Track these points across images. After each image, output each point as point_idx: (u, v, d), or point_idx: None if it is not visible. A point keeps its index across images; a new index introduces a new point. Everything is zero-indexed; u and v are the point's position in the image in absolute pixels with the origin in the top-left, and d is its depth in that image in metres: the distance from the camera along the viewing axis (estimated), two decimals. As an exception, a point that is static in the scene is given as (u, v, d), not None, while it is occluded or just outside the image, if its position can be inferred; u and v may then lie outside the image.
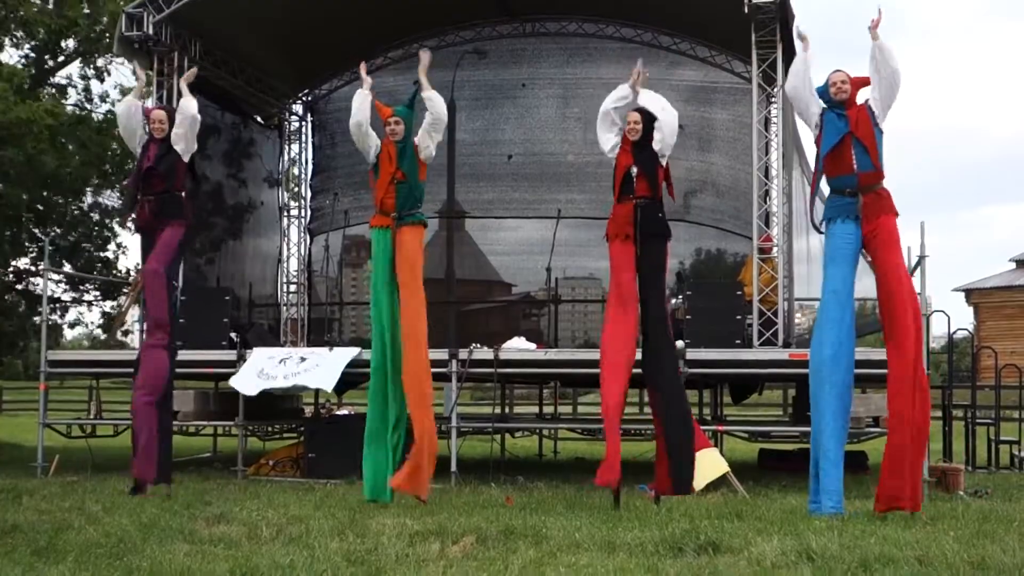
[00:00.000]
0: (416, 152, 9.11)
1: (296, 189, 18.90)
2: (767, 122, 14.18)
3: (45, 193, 17.72)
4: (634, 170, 8.85)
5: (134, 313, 16.45)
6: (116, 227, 19.61)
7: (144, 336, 10.21)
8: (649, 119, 8.89)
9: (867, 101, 8.45)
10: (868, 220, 8.27)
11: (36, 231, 16.46)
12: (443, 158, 15.91)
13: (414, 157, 9.08)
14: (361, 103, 9.27)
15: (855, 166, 8.28)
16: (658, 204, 9.05)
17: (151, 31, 14.19)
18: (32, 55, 17.98)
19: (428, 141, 9.17)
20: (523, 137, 16.91)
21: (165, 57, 14.61)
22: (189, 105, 9.78)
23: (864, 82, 8.50)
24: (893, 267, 8.28)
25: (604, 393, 9.11)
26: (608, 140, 9.12)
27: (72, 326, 20.66)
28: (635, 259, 8.94)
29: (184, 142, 9.77)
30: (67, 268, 17.89)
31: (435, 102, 9.21)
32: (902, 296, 8.24)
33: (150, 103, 15.01)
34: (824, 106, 8.54)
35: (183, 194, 9.98)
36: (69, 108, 17.72)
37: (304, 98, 18.59)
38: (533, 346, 12.68)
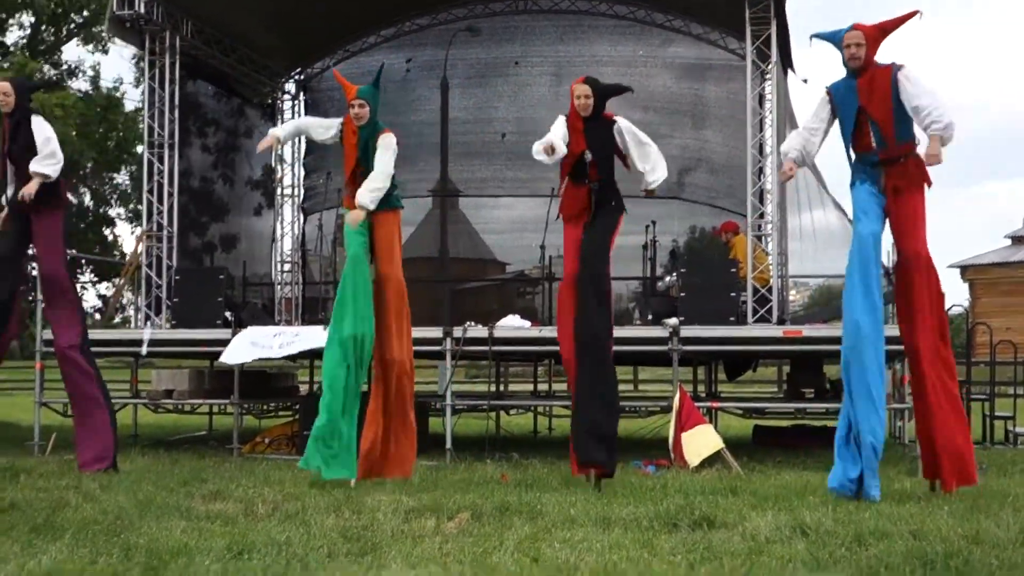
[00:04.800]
0: (378, 142, 8.60)
1: (287, 167, 18.84)
2: (761, 99, 14.18)
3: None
4: (588, 156, 8.25)
5: (129, 296, 16.47)
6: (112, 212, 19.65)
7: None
8: (601, 92, 8.31)
9: (900, 71, 7.55)
10: (891, 193, 7.63)
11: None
12: (436, 136, 15.90)
13: (374, 146, 8.58)
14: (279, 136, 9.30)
15: (873, 143, 7.64)
16: (612, 183, 8.47)
17: (142, 10, 14.14)
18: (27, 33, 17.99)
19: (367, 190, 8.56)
20: (516, 115, 16.90)
21: (157, 36, 14.61)
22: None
23: (885, 32, 7.69)
24: (912, 249, 7.69)
25: (570, 381, 8.66)
26: (551, 147, 8.17)
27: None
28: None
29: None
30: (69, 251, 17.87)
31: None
32: (919, 274, 7.69)
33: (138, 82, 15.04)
34: (827, 88, 7.90)
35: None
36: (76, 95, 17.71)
37: (297, 77, 18.55)
38: (528, 324, 12.68)
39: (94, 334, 12.67)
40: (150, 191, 14.70)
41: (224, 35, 15.83)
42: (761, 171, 13.34)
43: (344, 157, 8.78)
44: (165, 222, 14.73)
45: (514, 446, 12.30)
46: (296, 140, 18.56)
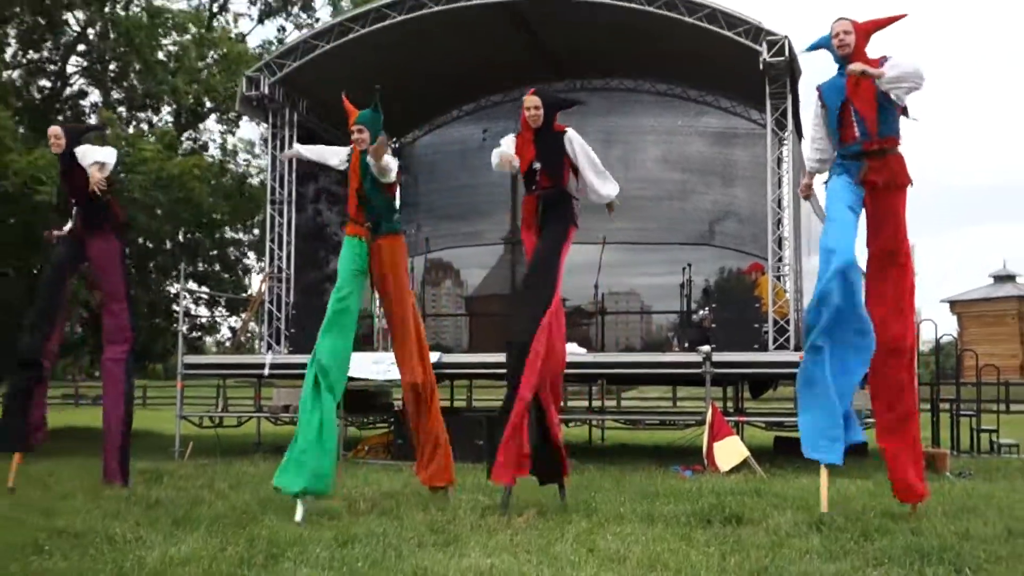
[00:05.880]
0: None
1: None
2: (779, 161, 14.06)
3: (190, 231, 18.00)
4: (537, 165, 7.13)
5: (254, 327, 16.66)
6: (244, 254, 19.89)
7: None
8: (550, 104, 7.19)
9: (888, 60, 6.40)
10: (869, 189, 6.51)
11: (182, 261, 16.65)
12: (507, 193, 15.99)
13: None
14: (299, 152, 8.42)
15: (857, 134, 6.51)
16: (562, 192, 7.24)
17: (267, 91, 14.43)
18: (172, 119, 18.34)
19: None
20: (574, 176, 16.91)
21: (278, 112, 14.86)
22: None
23: (873, 27, 6.62)
24: (885, 245, 6.57)
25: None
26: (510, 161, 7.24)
27: (210, 335, 20.93)
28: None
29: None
30: (204, 290, 18.14)
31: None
32: (895, 270, 6.58)
33: (267, 152, 15.29)
34: (817, 86, 6.82)
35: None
36: (209, 160, 17.99)
37: (392, 145, 18.71)
38: (584, 351, 12.66)
39: (227, 359, 12.88)
40: (272, 240, 14.92)
41: (332, 111, 16.03)
42: (780, 222, 13.22)
43: (350, 180, 7.53)
44: (284, 265, 14.95)
45: (573, 453, 12.23)
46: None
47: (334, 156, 7.90)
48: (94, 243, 8.43)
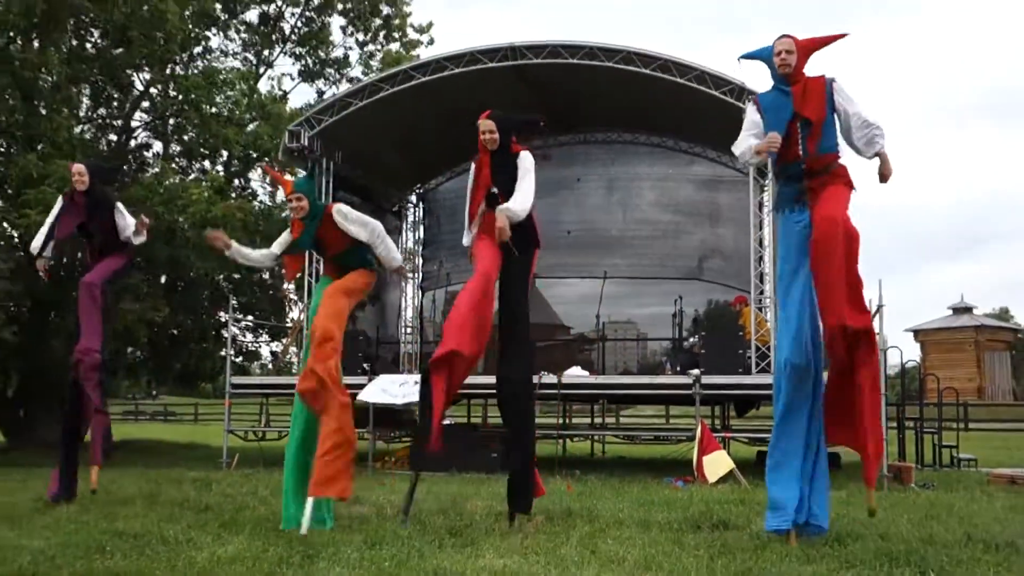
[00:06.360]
0: (331, 220, 6.47)
1: (412, 258, 19.08)
2: (760, 205, 14.11)
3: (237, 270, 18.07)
4: (495, 190, 6.24)
5: (293, 351, 16.68)
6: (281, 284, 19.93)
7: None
8: (504, 126, 6.35)
9: (834, 81, 5.64)
10: (812, 195, 5.52)
11: (230, 294, 16.65)
12: (519, 234, 16.05)
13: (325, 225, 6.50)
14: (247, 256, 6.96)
15: (800, 152, 5.57)
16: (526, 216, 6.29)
17: (307, 143, 14.55)
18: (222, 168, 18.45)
19: (353, 228, 6.52)
20: (578, 218, 16.97)
21: (317, 162, 14.95)
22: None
23: (814, 46, 5.76)
24: (828, 213, 5.37)
25: (436, 387, 5.93)
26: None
27: (255, 360, 20.91)
28: (501, 264, 6.24)
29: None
30: (249, 318, 18.19)
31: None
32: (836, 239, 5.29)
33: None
34: (755, 94, 6.03)
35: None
36: (258, 206, 18.04)
37: (418, 190, 18.83)
38: (586, 373, 12.66)
39: (269, 379, 12.89)
40: (310, 275, 14.97)
41: (366, 160, 16.17)
42: (761, 259, 13.24)
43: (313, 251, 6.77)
44: (320, 297, 14.98)
45: (577, 465, 12.22)
46: (415, 234, 18.83)
47: (278, 248, 6.76)
48: (106, 257, 7.92)
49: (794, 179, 5.63)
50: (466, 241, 6.48)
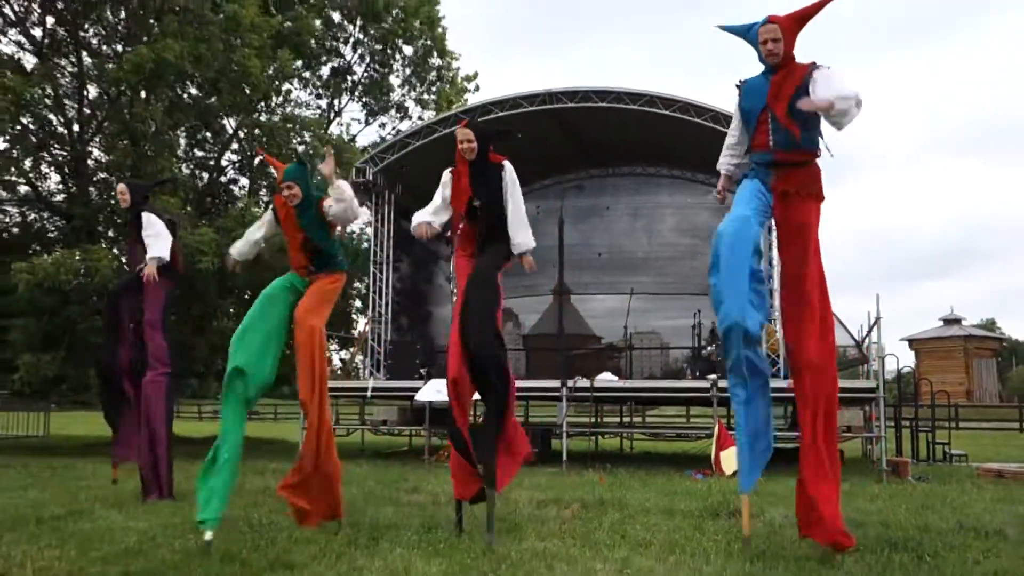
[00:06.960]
0: (322, 212, 5.70)
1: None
2: (770, 228, 13.93)
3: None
4: (477, 202, 5.56)
5: (360, 359, 16.77)
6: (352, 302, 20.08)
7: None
8: (482, 137, 5.61)
9: (818, 68, 4.71)
10: (779, 198, 4.85)
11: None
12: (555, 255, 15.98)
13: (317, 217, 5.70)
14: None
15: (770, 143, 4.84)
16: (502, 225, 5.59)
17: (371, 178, 14.68)
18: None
19: (331, 202, 5.66)
20: (608, 242, 16.95)
21: (380, 195, 15.07)
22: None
23: (801, 19, 4.81)
24: (796, 258, 4.86)
25: (452, 400, 5.33)
26: (425, 231, 5.78)
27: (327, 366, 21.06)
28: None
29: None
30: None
31: (342, 187, 5.65)
32: (812, 295, 4.79)
33: (370, 228, 15.42)
34: (744, 81, 5.07)
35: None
36: None
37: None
38: (616, 378, 12.56)
39: (338, 383, 12.95)
40: (374, 292, 15.09)
41: (421, 193, 16.21)
42: (770, 276, 13.07)
43: (287, 236, 5.85)
44: (383, 311, 15.08)
45: (608, 459, 12.14)
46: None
47: (267, 227, 6.16)
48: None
49: (763, 166, 4.92)
50: (413, 224, 5.83)
